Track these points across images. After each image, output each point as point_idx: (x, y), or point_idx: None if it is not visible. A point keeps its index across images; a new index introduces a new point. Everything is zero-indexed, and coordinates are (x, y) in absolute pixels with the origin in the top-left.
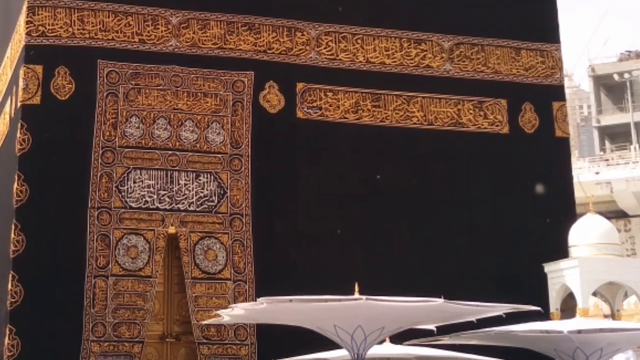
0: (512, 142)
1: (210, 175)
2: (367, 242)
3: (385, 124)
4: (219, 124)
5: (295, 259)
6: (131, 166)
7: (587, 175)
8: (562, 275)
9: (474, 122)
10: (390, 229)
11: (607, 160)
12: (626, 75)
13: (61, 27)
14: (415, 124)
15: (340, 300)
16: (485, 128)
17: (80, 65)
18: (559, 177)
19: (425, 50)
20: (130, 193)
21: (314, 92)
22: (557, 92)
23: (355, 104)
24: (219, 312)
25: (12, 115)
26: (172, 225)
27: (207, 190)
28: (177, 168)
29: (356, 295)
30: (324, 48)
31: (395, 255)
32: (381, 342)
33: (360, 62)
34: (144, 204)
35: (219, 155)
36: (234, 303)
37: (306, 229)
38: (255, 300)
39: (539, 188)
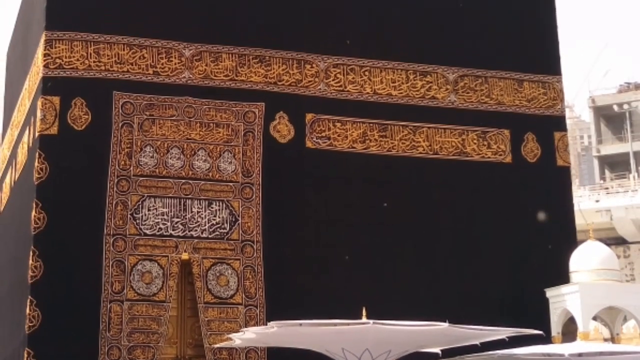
0: (515, 171)
1: (222, 203)
2: (374, 268)
3: (391, 154)
4: (231, 153)
5: (305, 284)
6: (145, 194)
7: (588, 203)
8: (563, 300)
9: (478, 151)
10: (397, 255)
11: (606, 188)
12: (625, 106)
13: (78, 60)
14: (421, 153)
15: (348, 324)
16: (489, 157)
17: (96, 97)
18: (560, 204)
19: (431, 82)
20: (145, 220)
21: (323, 122)
22: (559, 123)
23: (362, 134)
24: (230, 335)
25: (30, 145)
26: (185, 251)
27: (219, 217)
28: (190, 196)
29: (364, 319)
30: (333, 80)
31: (402, 281)
32: None
33: (368, 93)
34: (158, 231)
35: (231, 184)
36: (246, 327)
37: (315, 255)
38: (266, 324)
39: (541, 215)
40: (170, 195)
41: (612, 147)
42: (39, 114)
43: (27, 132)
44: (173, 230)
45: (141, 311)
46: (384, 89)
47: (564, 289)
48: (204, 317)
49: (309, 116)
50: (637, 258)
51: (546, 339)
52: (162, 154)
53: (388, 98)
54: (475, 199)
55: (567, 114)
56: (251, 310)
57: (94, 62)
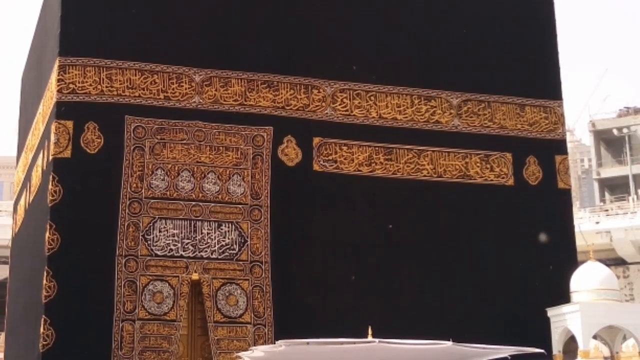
0: (517, 193)
1: (232, 225)
2: (379, 288)
3: (397, 176)
4: (240, 176)
5: (312, 304)
6: (157, 216)
7: (588, 224)
8: (564, 319)
9: (481, 174)
10: (402, 275)
11: (606, 210)
12: (625, 130)
13: (90, 85)
14: (425, 176)
15: (354, 342)
16: (492, 180)
17: (108, 121)
18: (561, 226)
19: (435, 107)
20: (156, 242)
21: (330, 146)
22: (560, 146)
23: (368, 158)
24: (239, 354)
25: (45, 168)
26: (195, 272)
27: (228, 239)
28: (200, 218)
29: (369, 338)
30: (339, 104)
31: (407, 300)
32: None
33: (374, 117)
34: (169, 252)
35: (240, 206)
36: (254, 345)
37: (322, 276)
38: (274, 343)
39: (543, 237)
40: (181, 217)
41: (612, 170)
42: (52, 137)
43: (41, 155)
44: (184, 251)
45: (152, 330)
46: (390, 113)
47: (564, 308)
48: (213, 336)
49: (316, 140)
50: (636, 278)
51: (547, 358)
52: (172, 177)
53: (393, 122)
54: (478, 220)
55: (568, 137)
56: (260, 329)
57: (107, 87)
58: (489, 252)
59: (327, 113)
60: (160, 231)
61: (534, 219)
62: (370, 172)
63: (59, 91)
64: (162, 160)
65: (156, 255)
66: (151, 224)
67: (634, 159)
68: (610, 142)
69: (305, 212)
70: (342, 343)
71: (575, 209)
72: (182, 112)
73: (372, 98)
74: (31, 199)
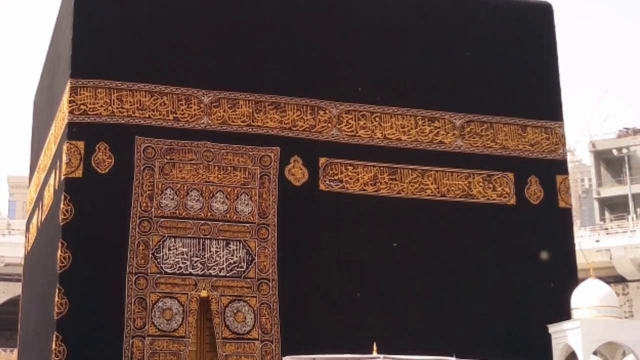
0: (519, 212)
1: (240, 243)
2: (384, 305)
3: (401, 196)
4: (248, 195)
5: (318, 320)
6: (166, 235)
7: (588, 243)
8: (565, 336)
9: (484, 194)
10: (406, 293)
11: (606, 229)
12: (624, 151)
13: (101, 106)
14: (429, 195)
15: (359, 358)
16: (494, 199)
17: (119, 141)
18: (562, 244)
19: (439, 128)
20: (166, 259)
21: (336, 166)
22: (561, 166)
23: (373, 177)
24: None
25: (56, 187)
26: (204, 289)
27: (236, 257)
28: (208, 236)
29: (374, 353)
30: (345, 125)
31: (411, 317)
32: None
33: (378, 138)
34: (178, 270)
35: (248, 225)
36: None
37: (328, 293)
38: (282, 359)
39: (544, 255)
40: (190, 235)
41: (612, 190)
42: (64, 157)
43: (53, 175)
44: (192, 269)
45: (162, 346)
46: (394, 134)
47: (565, 325)
48: (222, 352)
49: (322, 160)
50: (636, 295)
51: None
52: (182, 196)
53: (398, 143)
54: (481, 239)
55: (569, 158)
56: (267, 345)
57: (117, 108)
58: (491, 269)
59: (333, 134)
60: (169, 249)
61: (535, 238)
62: (375, 191)
63: (71, 112)
64: (171, 180)
65: (166, 272)
66: (161, 242)
67: (634, 179)
68: (610, 162)
69: (312, 231)
70: (347, 359)
71: (575, 228)
72: (191, 133)
73: (377, 119)
74: (43, 217)
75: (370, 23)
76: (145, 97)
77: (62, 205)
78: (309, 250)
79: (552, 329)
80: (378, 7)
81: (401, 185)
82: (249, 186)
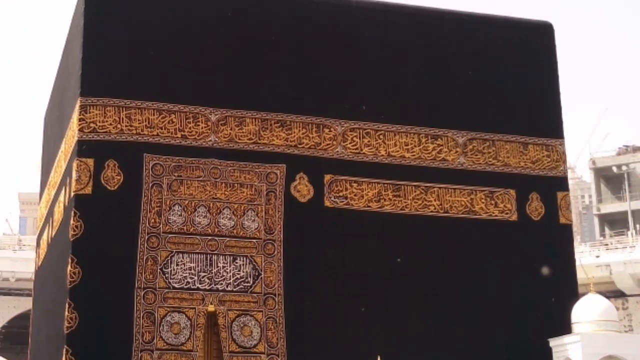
0: (520, 228)
1: (246, 259)
2: (388, 319)
3: (405, 212)
4: (254, 212)
5: (324, 334)
6: (174, 250)
7: (589, 258)
8: (565, 350)
9: (486, 210)
10: (409, 307)
11: (606, 244)
12: (624, 168)
13: (110, 124)
14: (432, 212)
15: None
16: (496, 216)
17: (128, 159)
18: (562, 260)
19: (442, 145)
20: (174, 275)
21: (340, 183)
22: (561, 183)
23: (377, 194)
24: None
25: (66, 204)
26: (211, 304)
27: (243, 272)
28: (216, 252)
29: None
30: (350, 143)
31: (414, 330)
32: None
33: (382, 155)
34: (186, 285)
35: (254, 241)
36: None
37: (333, 307)
38: None
39: (545, 270)
40: (197, 251)
41: (612, 206)
42: (74, 174)
43: (63, 191)
44: (200, 283)
45: None
46: (398, 151)
47: (566, 338)
48: None
49: (328, 177)
50: (635, 310)
51: None
52: (189, 213)
53: (401, 160)
54: (483, 254)
55: (569, 174)
56: (273, 358)
57: (126, 126)
58: (493, 284)
59: (337, 151)
60: (177, 265)
61: (536, 253)
62: (380, 207)
63: (80, 130)
64: (179, 197)
65: (173, 287)
66: (169, 258)
67: (633, 195)
68: (610, 179)
69: (317, 246)
70: None
71: (576, 243)
72: (199, 151)
73: (381, 137)
74: (53, 233)
75: (374, 43)
76: (154, 115)
77: (72, 222)
78: (315, 266)
79: (553, 342)
80: (382, 27)
81: (405, 202)
82: (255, 202)
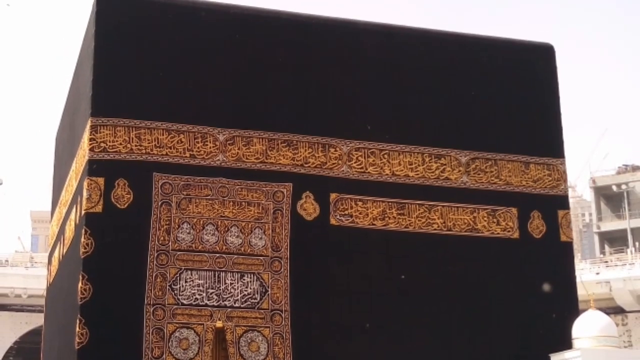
0: (522, 246)
1: (253, 276)
2: (392, 335)
3: (409, 230)
4: (261, 229)
5: (329, 350)
6: (183, 267)
7: (589, 275)
8: None
9: (488, 228)
10: (413, 323)
11: (606, 262)
12: (623, 187)
13: (120, 144)
14: (435, 229)
15: None
16: (498, 233)
17: (137, 178)
18: (563, 277)
19: (445, 164)
20: (182, 291)
21: (346, 201)
22: (562, 202)
23: (382, 212)
24: None
25: (77, 222)
26: (219, 320)
27: (250, 288)
28: (223, 269)
29: None
30: (355, 162)
31: (418, 346)
32: None
33: (387, 174)
34: (194, 301)
35: (261, 258)
36: None
37: (338, 323)
38: None
39: (546, 287)
40: (206, 268)
41: (611, 224)
42: (85, 193)
43: (74, 210)
44: (208, 300)
45: None
46: (402, 170)
47: (567, 354)
48: None
49: (333, 196)
50: (635, 326)
51: None
52: (198, 230)
53: (405, 179)
54: (486, 271)
55: (570, 193)
56: None
57: (136, 146)
58: (495, 301)
59: (343, 170)
60: (186, 281)
61: (538, 270)
62: (384, 226)
63: (91, 150)
64: (188, 215)
65: (182, 304)
66: (178, 275)
67: (632, 214)
68: (609, 197)
69: (323, 264)
70: None
71: (576, 261)
72: (207, 170)
73: (386, 156)
74: (65, 251)
75: (378, 65)
76: (163, 135)
77: (82, 239)
78: (321, 282)
79: (554, 358)
80: (386, 49)
81: (409, 220)
82: (262, 221)
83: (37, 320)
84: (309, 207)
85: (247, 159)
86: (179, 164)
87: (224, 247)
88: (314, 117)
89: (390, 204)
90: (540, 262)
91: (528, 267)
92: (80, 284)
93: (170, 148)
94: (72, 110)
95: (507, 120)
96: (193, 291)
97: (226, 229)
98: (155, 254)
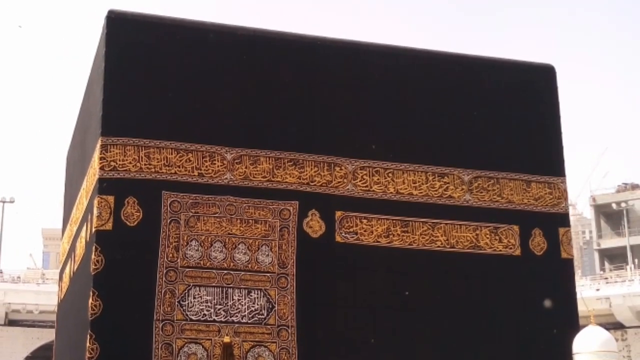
0: (524, 262)
1: (260, 292)
2: (397, 350)
3: (412, 247)
4: (268, 247)
5: None
6: (191, 284)
7: (589, 291)
8: None
9: (490, 245)
10: (417, 338)
11: (606, 278)
12: (623, 205)
13: (130, 163)
14: (439, 247)
15: None
16: (500, 251)
17: (147, 196)
18: (564, 293)
19: (448, 183)
20: (191, 307)
21: (351, 219)
22: (563, 219)
23: (386, 230)
24: None
25: (87, 239)
26: (227, 335)
27: (257, 304)
28: (231, 285)
29: None
30: (360, 181)
31: None
32: None
33: (391, 193)
34: (203, 317)
35: (268, 274)
36: None
37: (344, 338)
38: None
39: (547, 303)
40: (214, 284)
41: (611, 242)
42: (95, 211)
43: (84, 227)
44: (216, 316)
45: None
46: (406, 189)
47: None
48: None
49: (339, 213)
50: (634, 341)
51: None
52: (206, 248)
53: (409, 197)
54: (488, 288)
55: (571, 211)
56: None
57: (145, 164)
58: (497, 316)
59: (348, 189)
60: (194, 297)
61: (539, 286)
62: (388, 243)
63: (101, 168)
64: (196, 232)
65: (191, 319)
66: (186, 291)
67: (632, 231)
68: (609, 215)
69: (328, 280)
70: None
71: (577, 277)
72: (215, 188)
73: (390, 175)
74: (75, 268)
75: (383, 85)
76: (172, 154)
77: (93, 256)
78: (326, 298)
79: None
80: (390, 70)
81: (413, 237)
82: (269, 238)
83: (48, 335)
84: (314, 225)
85: (254, 177)
86: (187, 183)
87: (232, 264)
88: (320, 136)
89: (394, 221)
90: (541, 279)
91: (529, 283)
92: (90, 300)
93: (179, 167)
94: (82, 129)
95: (509, 139)
96: (201, 307)
97: (234, 246)
98: (164, 271)
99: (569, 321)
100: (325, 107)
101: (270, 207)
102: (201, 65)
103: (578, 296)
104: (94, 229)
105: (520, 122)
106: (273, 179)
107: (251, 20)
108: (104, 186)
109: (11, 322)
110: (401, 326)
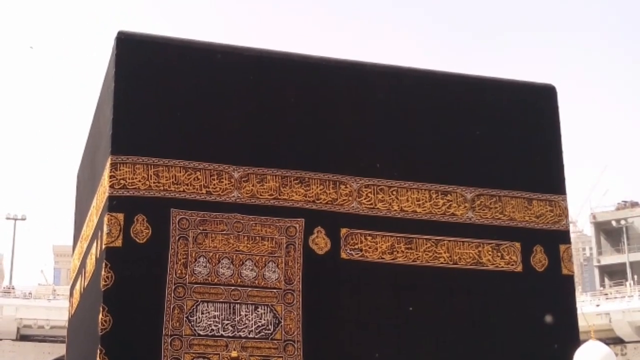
0: (525, 279)
1: (267, 308)
2: None
3: (416, 264)
4: (275, 263)
5: None
6: (199, 299)
7: (589, 307)
8: None
9: (492, 262)
10: (420, 353)
11: (606, 294)
12: (623, 222)
13: (139, 181)
14: (442, 263)
15: None
16: (502, 267)
17: (156, 214)
18: (565, 308)
19: (451, 201)
20: (199, 323)
21: (356, 236)
22: (564, 236)
23: (391, 247)
24: None
25: (98, 256)
26: (234, 350)
27: (264, 320)
28: (238, 301)
29: None
30: (364, 199)
31: None
32: None
33: (395, 210)
34: (210, 332)
35: (275, 290)
36: None
37: (349, 353)
38: None
39: (548, 318)
40: (221, 300)
41: (611, 258)
42: (105, 228)
43: (94, 244)
44: (224, 331)
45: None
46: (410, 206)
47: None
48: None
49: (344, 231)
50: (633, 356)
51: None
52: (214, 264)
53: (413, 215)
54: (490, 303)
55: (571, 228)
56: None
57: (154, 183)
58: (499, 332)
59: (353, 206)
60: (202, 313)
61: (540, 302)
62: (393, 259)
63: (111, 187)
64: (204, 249)
65: (199, 335)
66: (194, 307)
67: (631, 248)
68: (609, 232)
69: (334, 296)
70: None
71: (577, 293)
72: (222, 206)
73: (394, 193)
74: (86, 284)
75: (387, 105)
76: (180, 172)
77: (103, 273)
78: (331, 314)
79: None
80: (394, 90)
81: (416, 254)
82: (275, 255)
83: (59, 350)
84: (320, 242)
85: (261, 195)
86: (195, 200)
87: (239, 280)
88: (325, 155)
89: (398, 238)
90: (542, 295)
91: (531, 299)
92: (100, 316)
93: (187, 185)
94: (92, 148)
95: (510, 158)
96: (209, 322)
97: (241, 262)
98: (173, 287)
99: (569, 336)
100: (330, 126)
101: (277, 224)
102: (209, 85)
103: (578, 312)
104: (104, 246)
105: (521, 141)
106: (279, 197)
107: (258, 41)
108: (114, 204)
109: (23, 337)
110: (405, 341)
